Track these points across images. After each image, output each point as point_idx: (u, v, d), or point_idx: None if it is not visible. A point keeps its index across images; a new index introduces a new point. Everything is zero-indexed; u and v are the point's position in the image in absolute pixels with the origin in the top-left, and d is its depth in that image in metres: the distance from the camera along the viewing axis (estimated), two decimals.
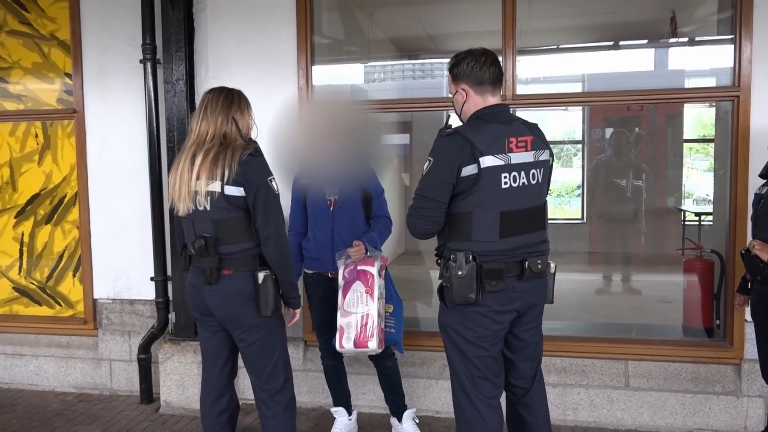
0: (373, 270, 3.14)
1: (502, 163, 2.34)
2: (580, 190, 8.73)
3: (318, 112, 3.78)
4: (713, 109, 5.27)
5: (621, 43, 6.63)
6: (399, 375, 3.47)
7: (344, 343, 3.12)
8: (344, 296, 3.16)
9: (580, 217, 8.49)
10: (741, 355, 3.53)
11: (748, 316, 3.31)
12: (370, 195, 3.33)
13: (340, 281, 3.19)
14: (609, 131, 7.32)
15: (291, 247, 3.10)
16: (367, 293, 3.11)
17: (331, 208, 3.27)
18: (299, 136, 3.65)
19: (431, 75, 7.79)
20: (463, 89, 2.46)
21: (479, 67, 2.42)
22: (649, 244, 7.06)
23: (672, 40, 5.71)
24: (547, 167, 2.50)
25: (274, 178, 2.60)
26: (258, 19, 3.94)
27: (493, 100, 2.46)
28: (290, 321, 2.81)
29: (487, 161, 2.32)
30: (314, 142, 3.36)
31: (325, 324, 3.36)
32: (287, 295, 2.71)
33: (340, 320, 3.15)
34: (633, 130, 7.27)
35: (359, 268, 3.15)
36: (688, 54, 6.17)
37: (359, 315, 3.10)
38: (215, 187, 2.52)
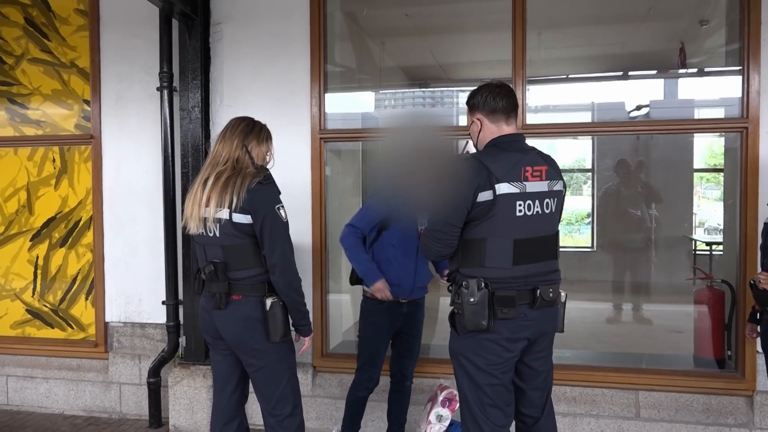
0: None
1: (517, 190, 2.37)
2: (590, 219, 8.70)
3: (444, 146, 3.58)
4: (723, 139, 5.29)
5: (630, 73, 6.69)
6: (410, 397, 3.49)
7: None
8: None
9: (590, 245, 8.46)
10: (753, 386, 3.50)
11: (759, 347, 3.29)
12: None
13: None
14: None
15: (350, 238, 3.15)
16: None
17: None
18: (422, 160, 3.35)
19: (442, 103, 7.86)
20: (478, 119, 2.51)
21: (492, 97, 2.48)
22: (660, 273, 7.02)
23: (681, 70, 5.75)
24: (560, 197, 2.53)
25: (282, 206, 2.63)
26: (273, 50, 4.03)
27: (508, 129, 2.49)
28: (300, 349, 2.81)
29: (503, 188, 2.34)
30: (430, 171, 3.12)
31: (379, 355, 3.30)
32: (296, 322, 2.72)
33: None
34: (639, 156, 7.28)
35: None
36: (697, 85, 6.20)
37: None
38: (224, 214, 2.56)
